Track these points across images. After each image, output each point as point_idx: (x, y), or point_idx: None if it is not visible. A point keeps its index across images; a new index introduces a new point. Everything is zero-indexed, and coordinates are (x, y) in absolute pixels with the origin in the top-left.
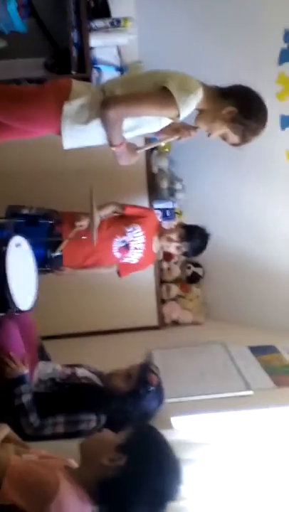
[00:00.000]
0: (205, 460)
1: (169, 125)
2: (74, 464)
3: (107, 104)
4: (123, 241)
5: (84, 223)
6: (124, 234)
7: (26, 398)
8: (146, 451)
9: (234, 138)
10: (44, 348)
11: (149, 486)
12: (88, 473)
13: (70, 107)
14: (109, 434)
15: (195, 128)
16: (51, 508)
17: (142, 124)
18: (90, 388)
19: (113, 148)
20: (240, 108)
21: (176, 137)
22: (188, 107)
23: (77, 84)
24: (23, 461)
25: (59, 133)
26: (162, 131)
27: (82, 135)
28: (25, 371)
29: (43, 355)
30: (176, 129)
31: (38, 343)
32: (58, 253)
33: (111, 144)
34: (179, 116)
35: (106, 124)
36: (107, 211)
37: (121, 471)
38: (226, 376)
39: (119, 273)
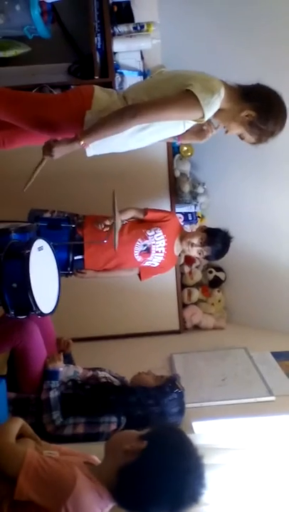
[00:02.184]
0: (226, 465)
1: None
2: (96, 460)
3: (130, 111)
4: (144, 245)
5: (107, 223)
6: (145, 237)
7: (54, 394)
8: (169, 438)
9: (251, 139)
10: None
11: (169, 475)
12: (110, 464)
13: (92, 116)
14: (133, 431)
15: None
16: (68, 505)
17: (166, 127)
18: (110, 386)
19: (81, 142)
20: (259, 113)
21: None
22: (213, 108)
23: (99, 92)
24: (40, 457)
25: None
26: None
27: (104, 143)
28: (61, 368)
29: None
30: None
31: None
32: (79, 256)
33: (84, 134)
34: (203, 117)
35: (116, 122)
36: (127, 216)
37: (141, 455)
38: (247, 381)
39: (140, 276)
